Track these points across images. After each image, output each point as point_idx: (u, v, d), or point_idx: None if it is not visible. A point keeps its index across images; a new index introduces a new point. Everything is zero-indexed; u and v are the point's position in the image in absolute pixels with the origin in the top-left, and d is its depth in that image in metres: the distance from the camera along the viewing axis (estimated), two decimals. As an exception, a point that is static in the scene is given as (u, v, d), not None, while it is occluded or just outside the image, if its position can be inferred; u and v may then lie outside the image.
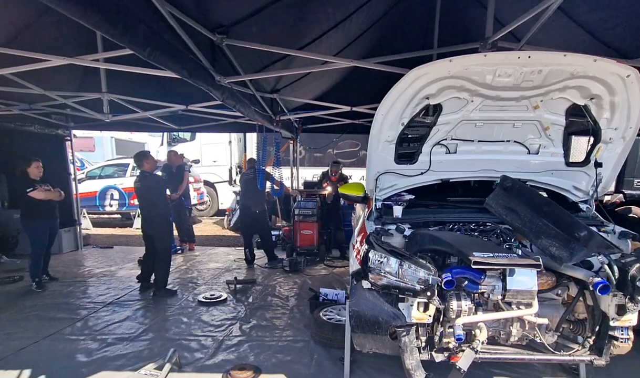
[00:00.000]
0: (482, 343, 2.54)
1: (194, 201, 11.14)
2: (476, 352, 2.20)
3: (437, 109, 2.72)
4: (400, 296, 2.40)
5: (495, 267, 2.23)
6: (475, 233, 2.76)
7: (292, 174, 8.33)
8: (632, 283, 2.23)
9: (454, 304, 2.45)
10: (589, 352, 2.53)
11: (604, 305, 2.44)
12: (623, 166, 7.85)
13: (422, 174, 3.05)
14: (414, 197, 3.26)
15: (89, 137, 13.47)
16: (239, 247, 7.75)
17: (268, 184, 7.14)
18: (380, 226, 2.77)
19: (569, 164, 2.97)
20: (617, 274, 2.30)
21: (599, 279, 2.28)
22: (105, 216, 12.22)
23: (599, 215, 2.97)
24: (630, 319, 2.38)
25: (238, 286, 5.74)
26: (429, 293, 2.26)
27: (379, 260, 2.38)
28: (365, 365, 3.49)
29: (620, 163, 2.89)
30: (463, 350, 2.45)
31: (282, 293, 5.63)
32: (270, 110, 5.54)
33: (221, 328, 4.37)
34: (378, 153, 2.91)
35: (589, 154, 2.92)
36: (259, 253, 7.39)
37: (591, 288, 2.33)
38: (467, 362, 2.13)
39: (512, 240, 2.65)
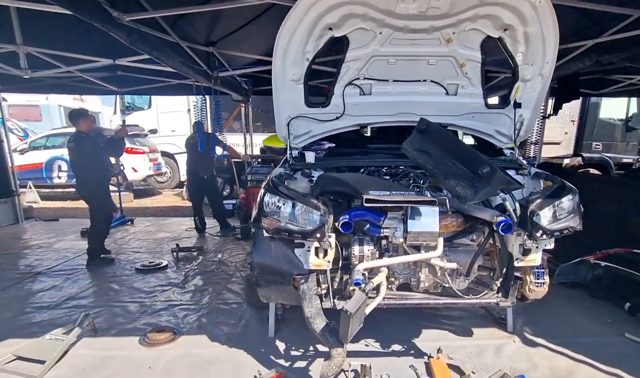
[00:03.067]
0: (389, 288, 2.49)
1: (149, 172, 10.79)
2: (367, 294, 2.11)
3: (344, 43, 2.54)
4: (296, 241, 2.28)
5: (388, 204, 2.12)
6: (387, 177, 2.66)
7: (245, 139, 8.07)
8: (531, 220, 2.17)
9: (355, 249, 2.36)
10: (496, 294, 2.50)
11: (510, 246, 2.39)
12: (582, 129, 8.14)
13: (337, 118, 2.90)
14: (334, 145, 3.12)
15: (34, 105, 12.72)
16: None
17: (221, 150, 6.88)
18: (285, 171, 2.63)
19: (488, 105, 2.87)
20: (518, 212, 2.23)
21: (502, 218, 2.22)
22: (59, 190, 11.71)
23: (520, 158, 2.90)
24: (534, 259, 2.35)
25: (183, 254, 5.57)
26: (318, 235, 2.14)
27: (274, 204, 2.25)
28: (293, 323, 3.43)
29: (540, 104, 2.81)
30: (370, 297, 2.38)
31: (228, 259, 5.50)
32: (206, 65, 5.21)
33: (151, 294, 4.23)
34: (285, 94, 2.73)
35: (507, 94, 2.82)
36: (213, 222, 7.21)
37: (495, 228, 2.26)
38: (355, 305, 2.04)
39: (422, 182, 2.55)
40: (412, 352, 2.98)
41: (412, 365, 2.77)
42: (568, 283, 3.86)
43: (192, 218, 6.93)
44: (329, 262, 2.32)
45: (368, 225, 2.34)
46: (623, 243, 3.54)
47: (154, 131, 11.43)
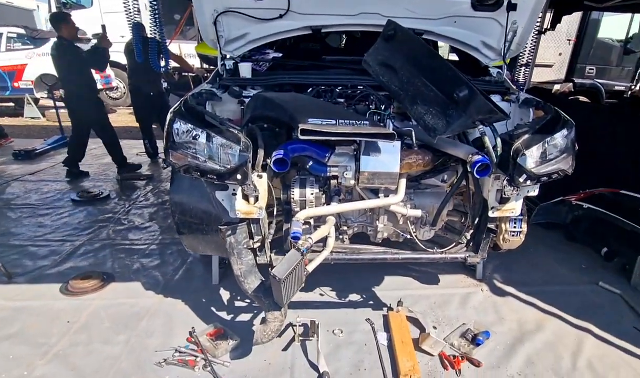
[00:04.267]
0: (340, 238, 2.11)
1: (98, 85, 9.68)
2: (303, 253, 1.71)
3: None
4: (216, 183, 1.81)
5: (332, 137, 1.63)
6: (341, 100, 2.14)
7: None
8: (514, 160, 1.74)
9: (295, 192, 1.91)
10: (465, 249, 2.15)
11: (485, 191, 2.00)
12: (577, 50, 7.50)
13: (281, 17, 2.26)
14: (281, 56, 2.52)
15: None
16: (150, 140, 6.84)
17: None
18: (210, 89, 2.07)
19: (475, 6, 2.27)
20: (500, 149, 1.79)
21: (478, 157, 1.77)
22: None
23: (508, 81, 2.39)
24: (512, 208, 1.97)
25: (129, 182, 5.11)
26: (239, 176, 1.66)
27: (184, 133, 1.72)
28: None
29: (539, 8, 2.24)
30: (316, 251, 2.00)
31: (180, 190, 5.01)
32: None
33: (86, 231, 3.79)
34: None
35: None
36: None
37: (469, 170, 1.83)
38: (285, 268, 1.64)
39: (385, 108, 2.04)
40: (371, 302, 2.72)
41: (368, 319, 2.52)
42: (544, 223, 3.62)
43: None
44: (260, 208, 1.88)
45: (311, 162, 1.87)
46: (609, 182, 3.24)
47: (98, 36, 10.01)
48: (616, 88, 7.71)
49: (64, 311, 2.60)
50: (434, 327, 2.42)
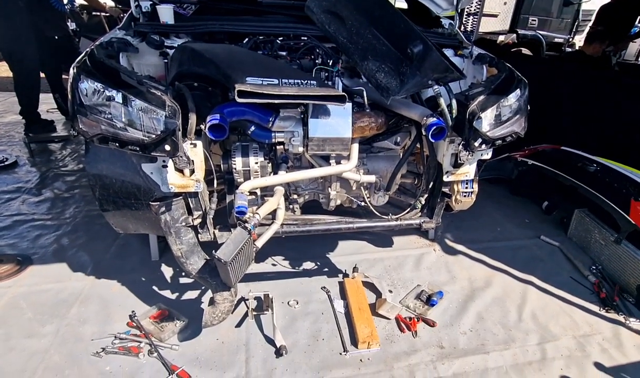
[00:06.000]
0: (290, 209, 1.98)
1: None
2: (250, 231, 1.57)
3: None
4: (142, 154, 1.57)
5: (275, 100, 1.46)
6: (283, 53, 1.95)
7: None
8: (470, 124, 1.68)
9: (237, 161, 1.74)
10: (419, 214, 2.13)
11: (440, 155, 1.95)
12: (520, 1, 7.54)
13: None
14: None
15: None
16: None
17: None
18: (123, 37, 1.78)
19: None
20: (455, 111, 1.72)
21: (433, 120, 1.69)
22: None
23: (460, 34, 2.31)
24: (466, 172, 1.95)
25: (40, 145, 4.55)
26: (167, 148, 1.46)
27: (94, 95, 1.45)
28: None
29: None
30: (265, 224, 1.86)
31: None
32: None
33: (-8, 206, 3.32)
34: None
35: None
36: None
37: (424, 133, 1.75)
38: (231, 250, 1.50)
39: (333, 63, 1.88)
40: (326, 270, 2.69)
41: (324, 287, 2.49)
42: (490, 178, 3.75)
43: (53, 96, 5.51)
44: (198, 181, 1.69)
45: (253, 128, 1.70)
46: (553, 139, 3.37)
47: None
48: (556, 40, 7.95)
49: (-28, 304, 2.30)
50: (390, 291, 2.44)
